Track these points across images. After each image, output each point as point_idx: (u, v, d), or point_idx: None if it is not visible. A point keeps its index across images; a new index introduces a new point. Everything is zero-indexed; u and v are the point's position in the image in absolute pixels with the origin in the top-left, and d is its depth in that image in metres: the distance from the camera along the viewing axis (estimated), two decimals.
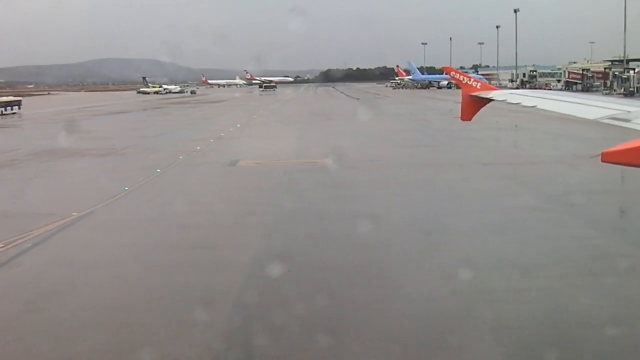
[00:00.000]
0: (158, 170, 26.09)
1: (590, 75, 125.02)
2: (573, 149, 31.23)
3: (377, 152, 31.29)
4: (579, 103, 10.80)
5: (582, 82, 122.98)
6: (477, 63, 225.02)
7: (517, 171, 24.34)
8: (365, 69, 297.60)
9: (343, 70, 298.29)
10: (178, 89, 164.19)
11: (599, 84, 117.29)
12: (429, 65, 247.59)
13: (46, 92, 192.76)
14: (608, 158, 6.21)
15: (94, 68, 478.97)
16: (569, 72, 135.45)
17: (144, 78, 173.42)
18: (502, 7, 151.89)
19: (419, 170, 24.99)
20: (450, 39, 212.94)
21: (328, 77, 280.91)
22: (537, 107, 11.28)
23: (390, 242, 14.38)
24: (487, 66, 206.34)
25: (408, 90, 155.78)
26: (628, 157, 6.21)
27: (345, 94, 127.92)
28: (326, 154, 29.83)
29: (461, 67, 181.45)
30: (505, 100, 12.77)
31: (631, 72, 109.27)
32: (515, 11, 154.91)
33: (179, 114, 71.40)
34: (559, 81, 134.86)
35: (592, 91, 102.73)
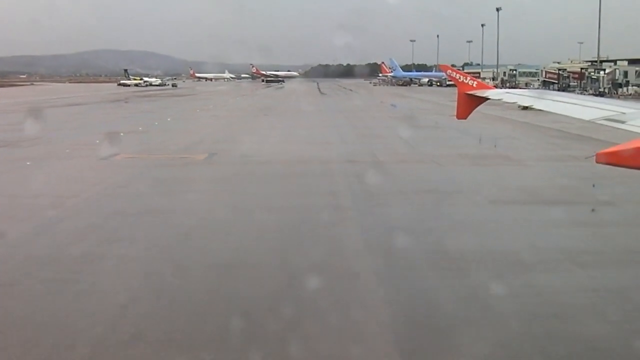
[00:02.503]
0: (28, 163, 26.18)
1: (566, 75, 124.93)
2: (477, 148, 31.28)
3: (265, 148, 31.26)
4: (574, 104, 10.78)
5: (558, 82, 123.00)
6: (466, 61, 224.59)
7: (371, 169, 24.21)
8: (354, 65, 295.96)
9: (333, 65, 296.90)
10: (159, 81, 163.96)
11: (575, 84, 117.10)
12: (420, 63, 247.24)
13: (29, 83, 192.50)
14: (602, 159, 6.41)
15: (89, 59, 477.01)
16: (546, 72, 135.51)
17: (125, 70, 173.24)
18: (495, 5, 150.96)
19: (277, 167, 24.89)
20: (438, 36, 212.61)
21: (318, 73, 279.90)
22: (533, 106, 11.43)
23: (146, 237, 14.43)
24: (478, 64, 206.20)
25: (387, 87, 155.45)
26: (622, 159, 6.39)
27: (319, 90, 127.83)
28: (209, 150, 29.85)
29: (453, 65, 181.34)
30: (501, 99, 12.77)
31: (601, 73, 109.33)
32: (497, 10, 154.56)
33: (129, 107, 71.25)
34: (539, 80, 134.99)
35: (568, 91, 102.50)
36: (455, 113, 13.66)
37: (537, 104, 11.39)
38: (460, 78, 13.47)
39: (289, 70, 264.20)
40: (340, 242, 13.83)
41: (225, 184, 21.29)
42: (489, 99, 12.76)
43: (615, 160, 6.50)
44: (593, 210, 17.46)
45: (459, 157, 27.82)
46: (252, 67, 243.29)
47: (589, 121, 9.02)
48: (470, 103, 12.93)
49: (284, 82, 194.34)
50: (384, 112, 60.84)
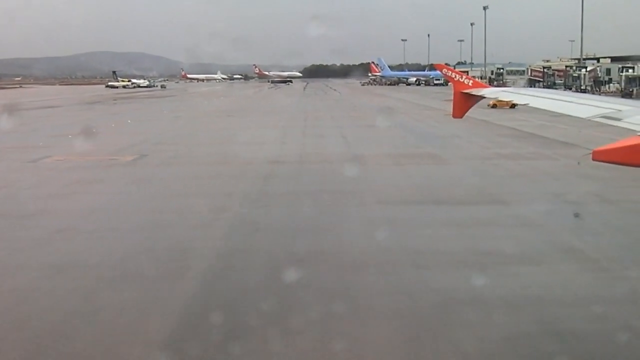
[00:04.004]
0: None
1: (551, 73, 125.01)
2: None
3: (200, 149, 31.56)
4: (570, 102, 10.71)
5: (543, 79, 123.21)
6: (459, 60, 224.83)
7: (287, 170, 24.35)
8: (348, 65, 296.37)
9: (327, 66, 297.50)
10: (147, 83, 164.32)
11: (561, 81, 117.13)
12: (413, 62, 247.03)
13: (19, 86, 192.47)
14: (599, 156, 6.37)
15: (85, 61, 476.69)
16: (531, 70, 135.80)
17: (114, 72, 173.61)
18: (493, 5, 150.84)
19: (197, 167, 25.18)
20: (429, 35, 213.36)
21: (312, 73, 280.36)
22: (530, 105, 11.25)
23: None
24: (472, 63, 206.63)
25: (374, 87, 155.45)
26: (618, 156, 6.37)
27: (301, 90, 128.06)
28: (144, 152, 29.97)
29: (446, 64, 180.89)
30: (497, 97, 12.68)
31: (583, 70, 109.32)
32: (484, 8, 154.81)
33: (99, 108, 71.50)
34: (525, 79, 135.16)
35: (554, 88, 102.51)
36: (451, 112, 13.59)
37: (533, 102, 11.37)
38: (456, 77, 13.43)
39: (282, 71, 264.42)
40: (191, 243, 13.90)
41: (129, 186, 21.49)
42: (484, 97, 12.78)
43: (612, 157, 6.49)
44: (576, 215, 16.52)
45: (386, 157, 27.86)
46: (255, 67, 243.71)
47: (585, 119, 9.06)
48: (466, 102, 12.90)
49: (291, 82, 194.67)
50: (346, 112, 60.70)
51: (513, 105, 57.52)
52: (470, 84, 13.20)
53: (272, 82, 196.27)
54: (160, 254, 12.99)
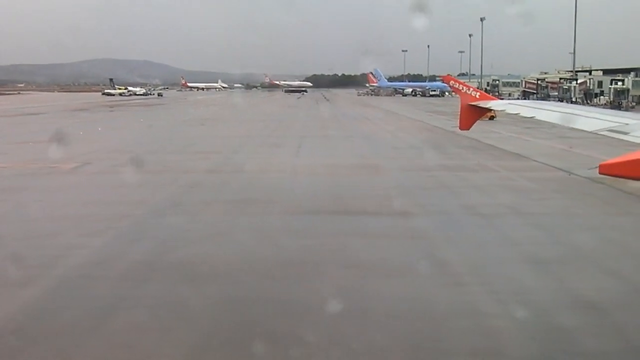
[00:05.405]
0: None
1: (545, 85, 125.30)
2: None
3: (148, 158, 31.39)
4: (578, 115, 10.67)
5: (537, 91, 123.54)
6: (461, 71, 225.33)
7: (220, 179, 24.49)
8: (349, 75, 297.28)
9: (328, 76, 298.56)
10: (143, 91, 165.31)
11: (556, 93, 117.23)
12: (415, 73, 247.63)
13: (17, 92, 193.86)
14: (605, 170, 6.50)
15: (88, 68, 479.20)
16: (525, 82, 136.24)
17: (110, 80, 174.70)
18: (501, 17, 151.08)
19: (130, 176, 25.12)
20: (428, 46, 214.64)
21: (313, 82, 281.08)
22: (536, 117, 11.30)
23: None
24: (474, 74, 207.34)
25: (368, 97, 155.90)
26: (625, 170, 6.45)
27: (294, 100, 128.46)
28: (90, 160, 30.12)
29: (448, 74, 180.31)
30: (504, 110, 12.74)
31: (573, 83, 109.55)
32: (481, 20, 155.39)
33: (83, 116, 71.39)
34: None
35: (547, 100, 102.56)
36: (457, 124, 13.65)
37: (539, 115, 11.38)
38: (463, 89, 13.42)
39: (285, 80, 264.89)
40: (64, 251, 14.01)
41: (49, 194, 21.65)
42: (491, 109, 12.85)
43: (618, 171, 6.55)
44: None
45: (326, 167, 27.86)
46: (266, 77, 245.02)
47: (591, 132, 9.05)
48: (473, 114, 12.92)
49: (306, 91, 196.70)
50: (322, 122, 60.59)
51: (492, 117, 57.68)
52: (477, 96, 13.20)
53: (286, 91, 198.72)
54: (26, 262, 13.09)
